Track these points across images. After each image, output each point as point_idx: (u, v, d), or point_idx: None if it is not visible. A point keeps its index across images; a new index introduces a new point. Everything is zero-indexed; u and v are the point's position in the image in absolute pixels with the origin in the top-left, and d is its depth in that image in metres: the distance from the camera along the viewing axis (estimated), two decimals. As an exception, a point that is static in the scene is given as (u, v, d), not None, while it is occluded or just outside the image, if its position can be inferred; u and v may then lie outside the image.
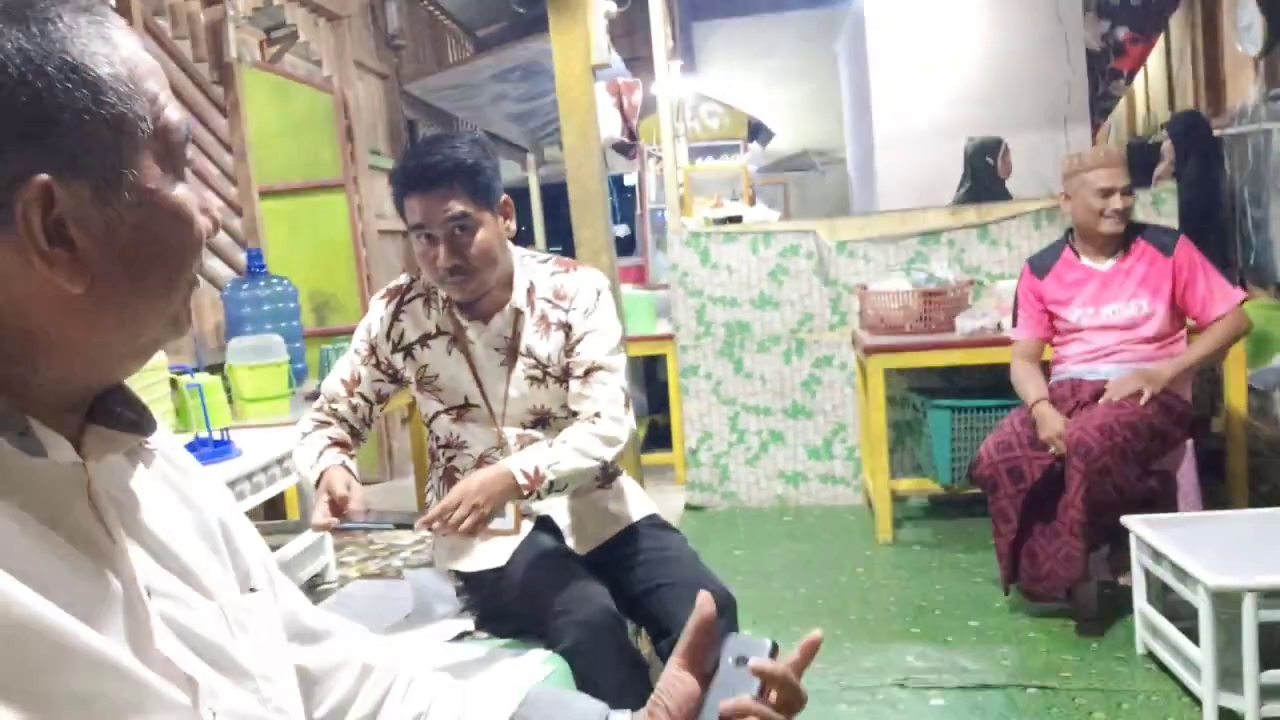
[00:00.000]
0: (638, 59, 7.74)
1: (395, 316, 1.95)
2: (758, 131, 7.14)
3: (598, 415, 1.86)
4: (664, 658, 1.88)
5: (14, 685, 0.56)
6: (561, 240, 7.96)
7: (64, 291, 0.62)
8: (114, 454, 0.70)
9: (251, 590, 0.79)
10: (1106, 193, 3.04)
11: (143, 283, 0.67)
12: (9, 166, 0.60)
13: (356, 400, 1.96)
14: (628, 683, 1.78)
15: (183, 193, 0.69)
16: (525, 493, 1.74)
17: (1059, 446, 2.86)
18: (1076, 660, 2.72)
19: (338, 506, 1.74)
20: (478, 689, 1.00)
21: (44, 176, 0.60)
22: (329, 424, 1.95)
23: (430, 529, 1.78)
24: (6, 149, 0.60)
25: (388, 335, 1.95)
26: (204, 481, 0.82)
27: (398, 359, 1.95)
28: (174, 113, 0.68)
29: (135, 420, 0.72)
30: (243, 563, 0.81)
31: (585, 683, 1.72)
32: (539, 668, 1.70)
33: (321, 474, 1.81)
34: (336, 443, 1.90)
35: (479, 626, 1.94)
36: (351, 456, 1.90)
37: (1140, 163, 5.34)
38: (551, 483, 1.76)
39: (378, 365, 1.96)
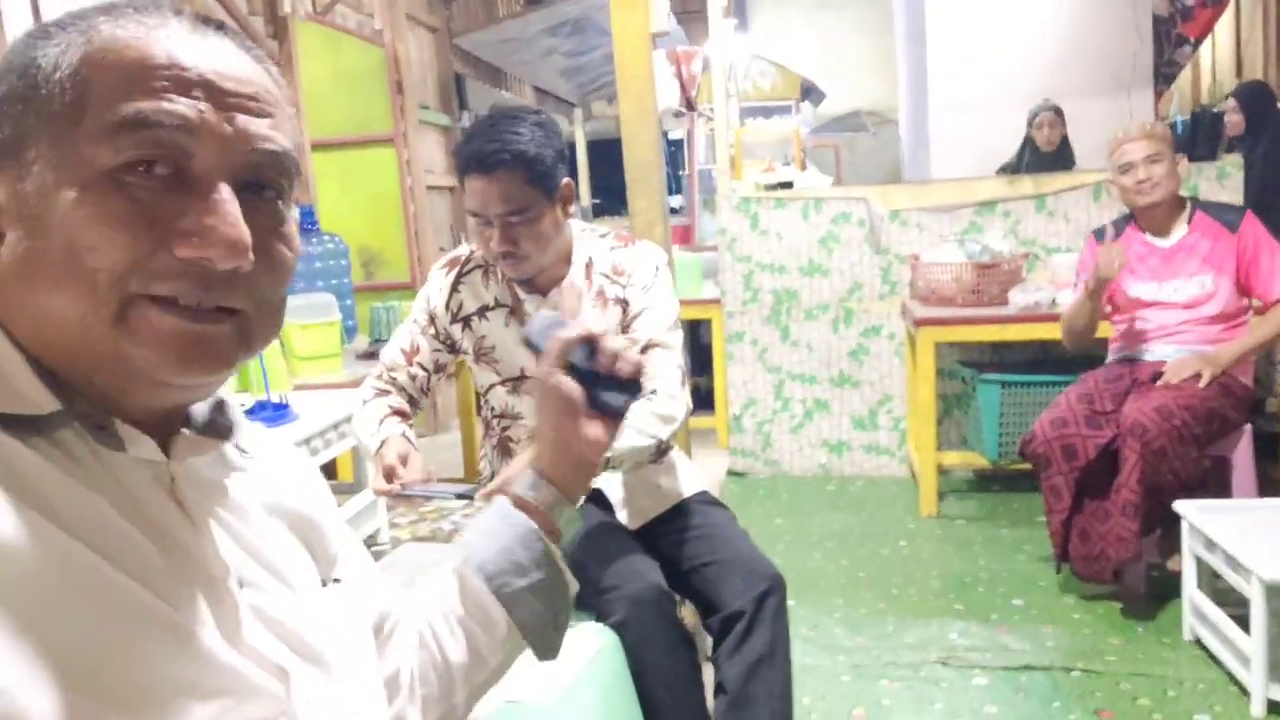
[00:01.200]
0: (689, 13, 7.64)
1: (454, 288, 1.96)
2: (809, 92, 7.02)
3: (654, 392, 1.86)
4: (712, 634, 1.90)
5: (116, 669, 0.58)
6: (606, 195, 7.94)
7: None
8: (198, 455, 0.70)
9: (335, 581, 0.80)
10: (1127, 168, 3.01)
11: (41, 280, 0.62)
12: None
13: (415, 370, 1.98)
14: (677, 657, 1.80)
15: (114, 192, 0.61)
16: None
17: (1120, 261, 2.89)
18: (1122, 644, 2.71)
19: (395, 474, 1.76)
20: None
21: None
22: (388, 392, 1.97)
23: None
24: None
25: (446, 306, 1.96)
26: (303, 476, 0.83)
27: (456, 330, 1.97)
28: (141, 103, 0.61)
29: (227, 426, 0.73)
30: (328, 553, 0.82)
31: (634, 656, 1.74)
32: (589, 640, 1.73)
33: (382, 442, 1.83)
34: (396, 411, 1.93)
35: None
36: (410, 425, 1.93)
37: (1205, 133, 5.22)
38: (609, 460, 1.77)
39: (436, 336, 1.98)
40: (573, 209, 1.90)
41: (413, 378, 1.99)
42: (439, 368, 2.02)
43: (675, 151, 7.98)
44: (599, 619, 1.79)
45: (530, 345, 0.97)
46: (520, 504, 0.94)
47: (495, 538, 0.93)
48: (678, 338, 1.94)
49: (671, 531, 1.97)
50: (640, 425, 1.82)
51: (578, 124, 8.21)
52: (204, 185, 0.63)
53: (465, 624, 0.92)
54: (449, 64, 6.11)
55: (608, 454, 1.74)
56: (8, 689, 0.53)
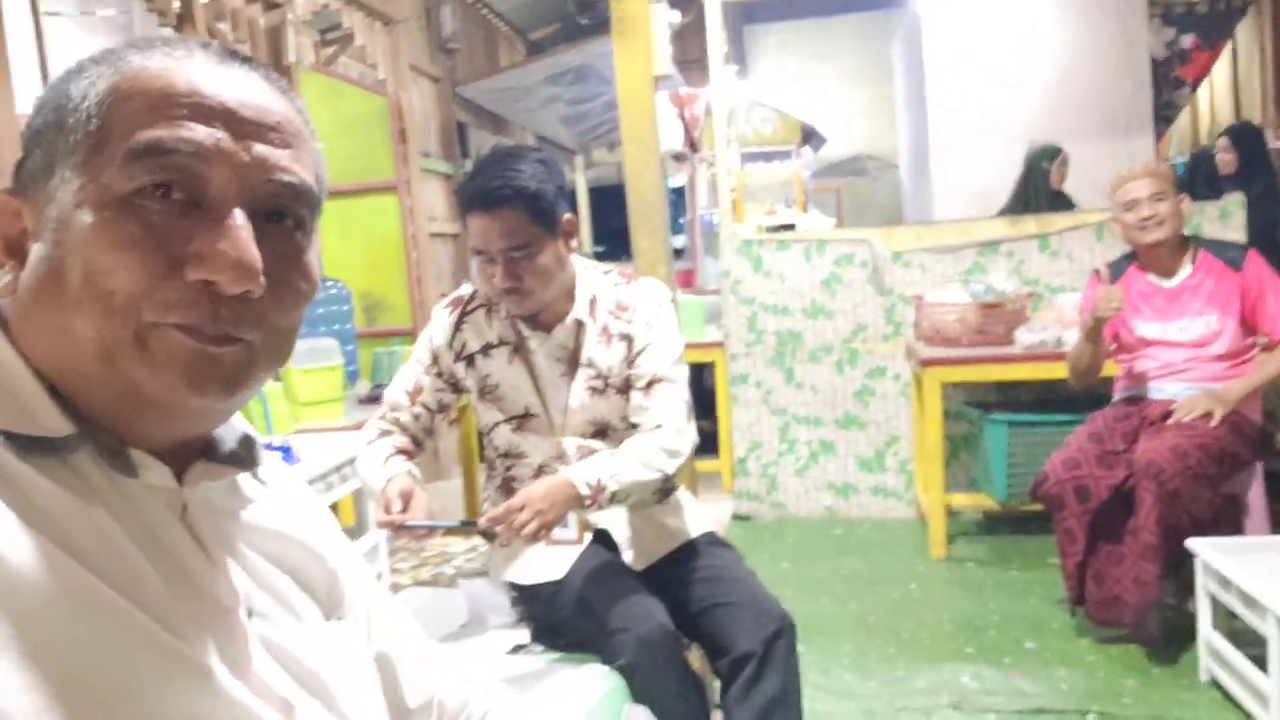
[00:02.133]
0: (689, 61, 7.72)
1: (458, 326, 1.95)
2: (810, 137, 7.08)
3: (659, 427, 1.86)
4: (721, 677, 1.86)
5: (125, 700, 0.57)
6: (607, 241, 7.97)
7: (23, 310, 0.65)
8: (211, 482, 0.70)
9: (339, 619, 0.79)
10: (1131, 205, 3.01)
11: (63, 304, 0.62)
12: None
13: (419, 409, 1.97)
14: (686, 700, 1.77)
15: (130, 218, 0.61)
16: (587, 503, 1.74)
17: (1117, 302, 2.87)
18: (1138, 685, 2.66)
19: (393, 509, 1.75)
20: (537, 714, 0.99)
21: (10, 198, 0.65)
22: (391, 433, 1.95)
23: (492, 533, 1.78)
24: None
25: (450, 345, 1.95)
26: (310, 506, 0.82)
27: (459, 368, 1.95)
28: (159, 131, 0.62)
29: (242, 456, 0.72)
30: (337, 590, 0.80)
31: (642, 699, 1.71)
32: (596, 682, 1.69)
33: (388, 480, 1.81)
34: (401, 450, 1.91)
35: (535, 639, 1.93)
36: (415, 463, 1.91)
37: (1205, 174, 5.24)
38: (614, 494, 1.75)
39: (440, 375, 1.97)
40: (574, 244, 1.89)
41: (416, 418, 1.97)
42: (442, 407, 2.00)
43: (676, 199, 8.04)
44: (606, 661, 1.76)
45: None
46: None
47: None
48: (682, 372, 1.93)
49: (679, 573, 1.94)
50: (645, 458, 1.80)
51: (579, 171, 8.27)
52: (218, 211, 0.63)
53: None
54: (451, 112, 6.16)
55: (613, 488, 1.74)
56: (12, 718, 0.52)
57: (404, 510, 1.75)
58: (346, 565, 0.83)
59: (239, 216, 0.63)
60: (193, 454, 0.69)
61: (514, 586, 1.98)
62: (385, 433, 1.96)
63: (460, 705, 0.91)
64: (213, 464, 0.70)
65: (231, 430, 0.73)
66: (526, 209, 1.76)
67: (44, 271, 0.63)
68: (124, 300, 0.61)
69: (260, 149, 0.65)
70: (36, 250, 0.64)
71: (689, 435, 1.89)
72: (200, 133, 0.63)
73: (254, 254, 0.63)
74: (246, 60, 0.69)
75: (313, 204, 0.69)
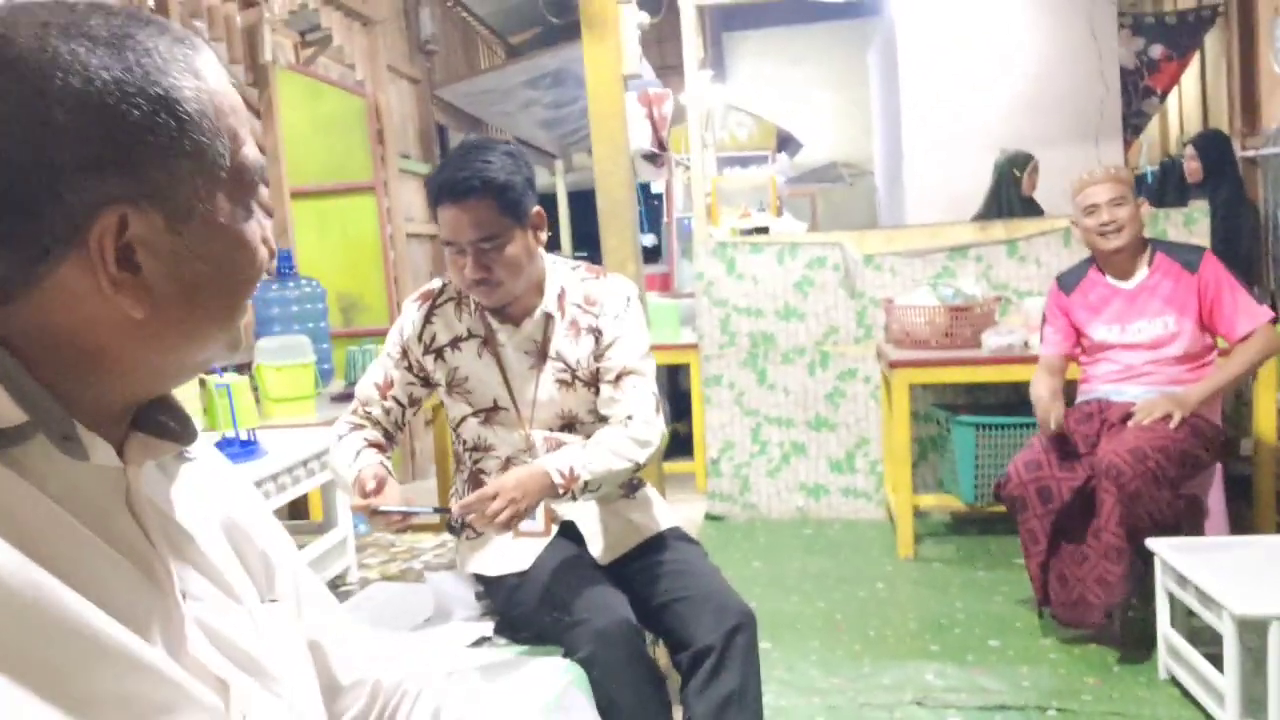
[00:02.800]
0: (668, 67, 7.76)
1: (427, 319, 1.97)
2: (786, 143, 7.12)
3: (630, 418, 1.89)
4: (681, 670, 1.88)
5: (54, 684, 0.58)
6: (588, 245, 7.97)
7: (127, 314, 0.64)
8: (153, 460, 0.72)
9: (272, 600, 0.80)
10: (1091, 210, 3.06)
11: (203, 310, 0.69)
12: (93, 191, 0.61)
13: (389, 404, 1.98)
14: (646, 694, 1.79)
15: (249, 228, 0.71)
16: (560, 492, 1.76)
17: (1056, 420, 2.94)
18: (1098, 683, 2.70)
19: (372, 495, 1.76)
20: (491, 703, 1.00)
21: (124, 206, 0.62)
22: (363, 427, 1.97)
23: (460, 524, 1.80)
24: (94, 175, 0.61)
25: (419, 338, 1.97)
26: (237, 487, 0.84)
27: (429, 361, 1.97)
28: (251, 151, 0.70)
29: (178, 430, 0.73)
30: (269, 571, 0.82)
31: (602, 692, 1.73)
32: (556, 675, 1.71)
33: (359, 471, 1.83)
34: (372, 444, 1.93)
35: (498, 631, 1.95)
36: (388, 457, 1.93)
37: (1174, 183, 5.32)
38: (586, 483, 1.78)
39: (410, 368, 1.98)
40: (543, 236, 1.92)
41: (386, 411, 1.99)
42: (413, 401, 2.02)
43: (657, 205, 8.07)
44: (566, 654, 1.78)
45: None
46: None
47: None
48: (651, 366, 1.97)
49: (643, 567, 1.96)
50: (617, 448, 1.83)
51: (559, 175, 8.28)
52: (258, 211, 0.73)
53: None
54: (430, 114, 6.18)
55: (585, 477, 1.76)
56: None
57: (377, 494, 1.76)
58: (275, 546, 0.84)
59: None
60: (126, 430, 0.70)
61: (480, 579, 2.00)
62: (357, 426, 1.97)
63: (395, 685, 0.93)
64: (149, 438, 0.71)
65: (165, 409, 0.74)
66: (496, 200, 1.79)
67: (192, 282, 0.67)
68: (250, 296, 0.73)
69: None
70: (174, 266, 0.66)
71: (658, 426, 1.92)
72: (255, 153, 0.72)
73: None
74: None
75: None
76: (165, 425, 0.73)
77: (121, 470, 0.68)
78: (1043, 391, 3.08)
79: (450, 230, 1.82)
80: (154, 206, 0.64)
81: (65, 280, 0.63)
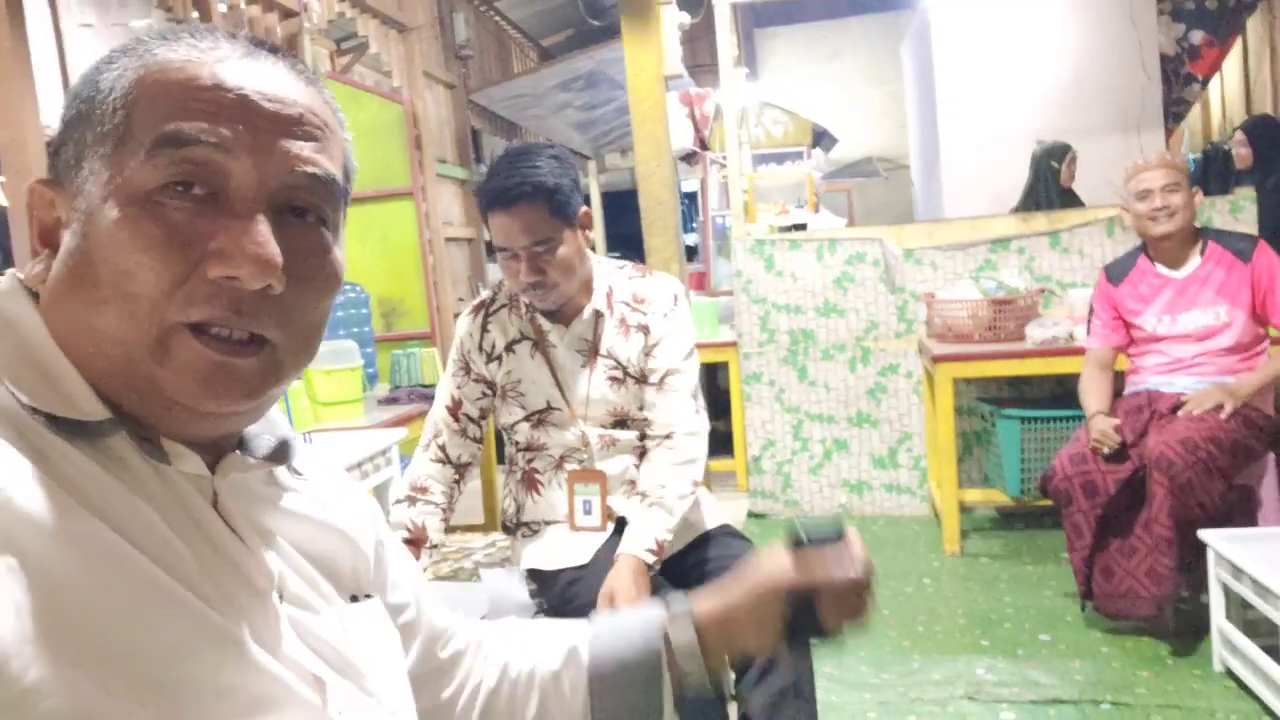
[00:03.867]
0: (699, 66, 7.77)
1: (484, 328, 2.00)
2: (821, 138, 7.10)
3: (669, 437, 1.93)
4: (733, 667, 1.89)
5: (149, 669, 0.57)
6: (622, 246, 8.01)
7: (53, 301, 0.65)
8: (244, 473, 0.71)
9: (366, 597, 0.81)
10: (1144, 195, 3.03)
11: (88, 300, 0.63)
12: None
13: (463, 423, 2.02)
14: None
15: (155, 214, 0.62)
16: (655, 567, 1.83)
17: (1109, 445, 2.88)
18: (1152, 676, 2.67)
19: None
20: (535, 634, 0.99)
21: (44, 187, 0.66)
22: (428, 495, 2.00)
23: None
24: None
25: (480, 347, 2.00)
26: (342, 493, 0.83)
27: (492, 369, 2.00)
28: (182, 125, 0.62)
29: (275, 449, 0.73)
30: (368, 572, 0.82)
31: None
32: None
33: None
34: (410, 538, 1.98)
35: (552, 628, 1.97)
36: (446, 520, 2.01)
37: (1217, 170, 5.25)
38: (669, 541, 1.85)
39: (476, 381, 2.01)
40: (591, 235, 1.95)
41: (462, 432, 2.02)
42: (484, 414, 2.05)
43: (689, 203, 8.07)
44: (621, 651, 1.79)
45: (800, 535, 0.93)
46: (668, 636, 0.92)
47: (623, 646, 0.92)
48: (694, 364, 2.00)
49: (695, 563, 1.97)
50: (678, 489, 1.88)
51: (592, 176, 8.30)
52: (239, 206, 0.64)
53: (545, 694, 0.92)
54: (465, 119, 6.23)
55: (668, 539, 1.82)
56: (12, 659, 0.52)
57: None
58: (392, 552, 0.86)
59: (259, 211, 0.64)
60: (227, 448, 0.70)
61: (534, 574, 2.02)
62: (422, 489, 2.00)
63: (475, 647, 0.94)
64: (243, 456, 0.71)
65: (270, 428, 0.74)
66: (546, 204, 1.82)
67: (73, 264, 0.64)
68: (147, 303, 0.61)
69: (285, 142, 0.65)
70: (67, 241, 0.64)
71: (701, 430, 1.96)
72: (221, 126, 0.63)
73: (273, 249, 0.63)
74: (274, 50, 0.69)
75: (337, 196, 0.69)
76: (265, 444, 0.73)
77: (209, 478, 0.67)
78: (1092, 404, 3.05)
79: (503, 236, 1.85)
80: (69, 184, 0.66)
81: None
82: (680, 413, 1.94)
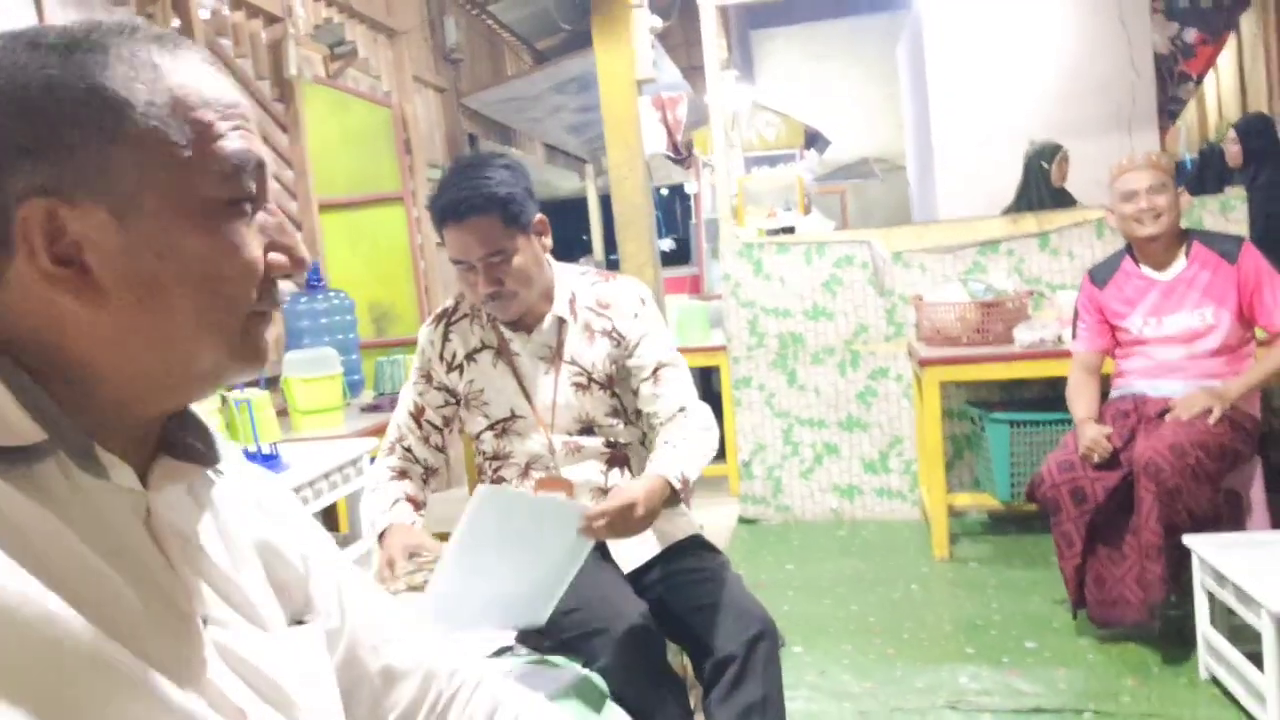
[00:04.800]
0: (695, 68, 7.74)
1: (445, 337, 2.00)
2: (815, 140, 7.07)
3: (683, 409, 1.93)
4: (703, 680, 1.87)
5: (64, 716, 0.57)
6: (619, 249, 8.00)
7: (92, 314, 0.63)
8: (177, 483, 0.70)
9: (299, 623, 0.79)
10: (1129, 196, 2.99)
11: (172, 313, 0.65)
12: (13, 183, 0.61)
13: (427, 430, 2.02)
14: (667, 702, 1.78)
15: (234, 228, 0.67)
16: (680, 497, 1.81)
17: (1100, 454, 2.82)
18: (1137, 684, 2.64)
19: (394, 566, 1.81)
20: (542, 709, 0.99)
21: (50, 198, 0.61)
22: (403, 474, 1.99)
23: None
24: (12, 165, 0.61)
25: (440, 356, 1.99)
26: (274, 503, 0.82)
27: (453, 378, 1.99)
28: (234, 144, 0.67)
29: (203, 451, 0.72)
30: (304, 588, 0.81)
31: (622, 701, 1.72)
32: (576, 684, 1.70)
33: (384, 531, 1.88)
34: (409, 498, 1.96)
35: (519, 640, 1.95)
36: (421, 514, 1.97)
37: (1214, 169, 5.21)
38: (692, 482, 1.84)
39: (438, 389, 2.01)
40: (548, 242, 1.93)
41: (426, 439, 2.01)
42: (447, 421, 2.04)
43: (685, 204, 8.05)
44: (585, 663, 1.77)
45: None
46: None
47: None
48: (684, 364, 2.01)
49: (664, 574, 1.95)
50: (699, 444, 1.87)
51: (589, 179, 8.29)
52: (260, 207, 0.70)
53: None
54: (457, 123, 6.21)
55: (694, 477, 1.80)
56: None
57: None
58: (315, 556, 0.84)
59: (275, 210, 0.71)
60: (151, 453, 0.70)
61: None
62: (398, 474, 1.99)
63: (450, 672, 0.92)
64: (174, 461, 0.70)
65: (192, 428, 0.73)
66: (499, 214, 1.80)
67: (149, 281, 0.64)
68: (242, 301, 0.68)
69: (260, 143, 0.71)
70: (125, 263, 0.63)
71: (706, 408, 1.97)
72: (254, 144, 0.69)
73: (303, 245, 0.72)
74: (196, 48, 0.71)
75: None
76: (192, 447, 0.72)
77: (143, 494, 0.66)
78: (1080, 410, 3.02)
79: (459, 249, 1.83)
80: (93, 199, 0.62)
81: (18, 277, 0.62)
82: (687, 395, 1.95)
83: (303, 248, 0.72)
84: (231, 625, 0.70)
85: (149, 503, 0.67)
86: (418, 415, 2.02)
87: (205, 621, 0.68)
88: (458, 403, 2.03)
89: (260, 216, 0.70)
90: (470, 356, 1.98)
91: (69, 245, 0.62)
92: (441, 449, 2.05)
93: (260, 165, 0.69)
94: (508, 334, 1.95)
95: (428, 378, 2.01)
